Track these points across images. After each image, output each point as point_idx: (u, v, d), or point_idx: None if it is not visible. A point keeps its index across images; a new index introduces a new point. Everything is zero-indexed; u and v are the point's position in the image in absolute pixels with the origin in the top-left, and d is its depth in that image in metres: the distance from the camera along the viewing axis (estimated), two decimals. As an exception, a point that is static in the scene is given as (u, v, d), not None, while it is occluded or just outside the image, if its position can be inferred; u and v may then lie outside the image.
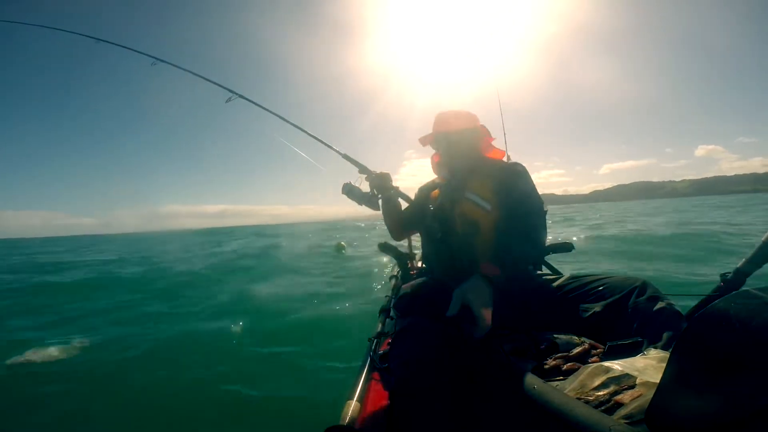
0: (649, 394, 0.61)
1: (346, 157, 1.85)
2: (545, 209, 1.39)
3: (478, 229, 1.36)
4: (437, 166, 1.63)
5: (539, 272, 1.53)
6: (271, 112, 2.17)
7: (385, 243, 2.04)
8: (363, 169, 1.78)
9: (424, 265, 1.74)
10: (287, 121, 2.10)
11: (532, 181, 1.40)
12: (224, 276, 7.73)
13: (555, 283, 1.27)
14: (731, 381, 0.47)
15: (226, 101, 2.21)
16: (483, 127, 1.54)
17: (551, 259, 1.83)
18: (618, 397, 0.66)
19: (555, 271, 1.73)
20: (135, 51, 2.61)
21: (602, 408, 0.65)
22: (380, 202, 1.72)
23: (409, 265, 2.14)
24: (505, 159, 1.59)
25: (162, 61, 2.47)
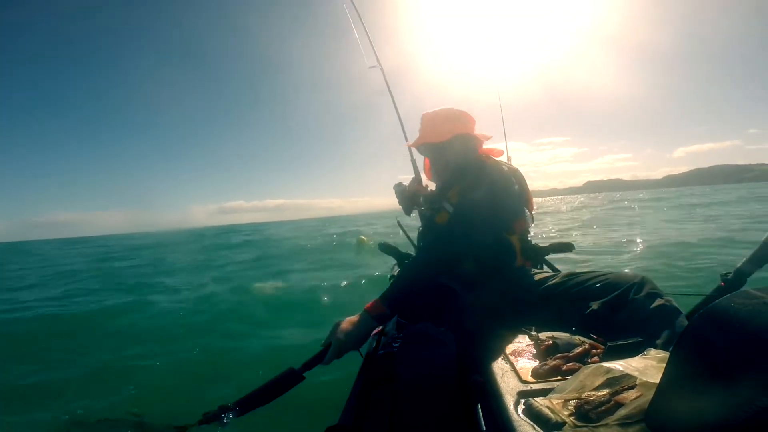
0: (649, 395, 0.61)
1: (413, 162, 1.97)
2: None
3: None
4: (430, 171, 1.65)
5: (537, 271, 1.53)
6: (391, 94, 2.18)
7: (385, 243, 2.05)
8: (416, 176, 1.87)
9: None
10: (397, 110, 2.15)
11: (499, 183, 1.36)
12: (228, 272, 7.73)
13: (553, 281, 1.27)
14: (731, 381, 0.47)
15: (370, 67, 2.22)
16: (473, 125, 1.51)
17: (551, 258, 1.83)
18: (618, 398, 0.65)
19: (554, 270, 1.73)
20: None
21: (602, 408, 0.65)
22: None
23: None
24: (505, 158, 1.60)
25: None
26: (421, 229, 1.59)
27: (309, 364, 1.15)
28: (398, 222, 2.04)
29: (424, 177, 1.83)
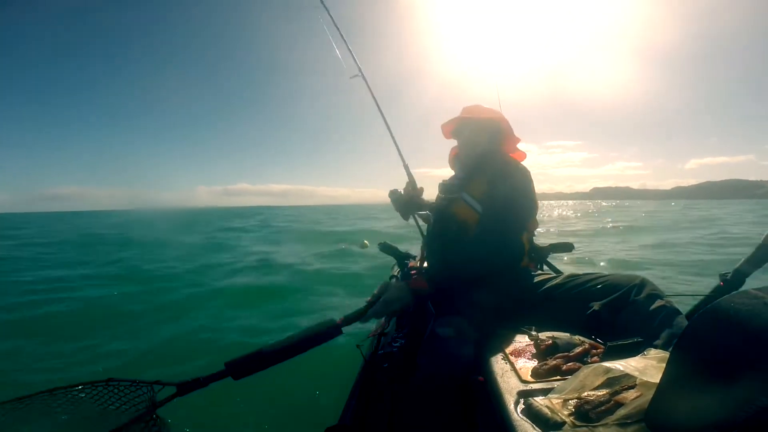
0: (649, 395, 0.61)
1: (406, 167, 1.97)
2: (532, 213, 1.40)
3: (468, 230, 1.37)
4: (453, 160, 1.66)
5: (539, 272, 1.53)
6: (377, 104, 2.17)
7: (385, 243, 2.05)
8: (411, 181, 1.88)
9: (426, 265, 1.75)
10: (384, 120, 2.15)
11: (521, 182, 1.38)
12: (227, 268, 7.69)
13: (554, 282, 1.27)
14: (731, 381, 0.47)
15: (351, 77, 2.20)
16: (508, 124, 1.55)
17: (552, 258, 1.84)
18: (618, 397, 0.66)
19: (555, 270, 1.73)
20: None
21: (602, 408, 0.65)
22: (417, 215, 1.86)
23: (410, 265, 2.15)
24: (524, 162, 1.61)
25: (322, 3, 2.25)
26: (432, 220, 1.58)
27: (349, 319, 1.15)
28: (414, 217, 2.04)
29: (416, 180, 1.85)
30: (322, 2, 2.24)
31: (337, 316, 1.14)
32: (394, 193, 1.83)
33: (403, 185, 1.93)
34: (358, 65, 2.18)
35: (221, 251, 9.65)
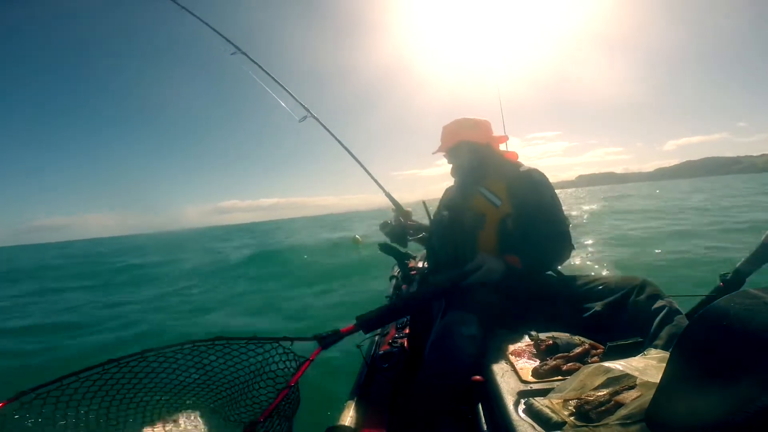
0: (649, 394, 0.61)
1: (388, 195, 1.95)
2: (569, 222, 1.43)
3: (485, 222, 1.39)
4: (454, 173, 1.68)
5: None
6: (336, 139, 2.13)
7: (386, 243, 2.05)
8: (397, 208, 1.87)
9: (426, 265, 1.75)
10: (349, 152, 2.12)
11: (553, 190, 1.42)
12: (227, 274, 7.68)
13: (555, 283, 1.27)
14: (731, 381, 0.47)
15: (300, 120, 2.13)
16: (489, 130, 1.56)
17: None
18: (618, 398, 0.66)
19: (555, 271, 1.73)
20: (219, 34, 2.24)
21: (602, 408, 0.65)
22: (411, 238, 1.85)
23: (410, 265, 2.15)
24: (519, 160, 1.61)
25: (242, 52, 2.17)
26: (446, 213, 1.59)
27: (455, 280, 1.29)
28: (424, 203, 2.04)
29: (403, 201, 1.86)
30: (243, 52, 2.14)
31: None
32: (385, 227, 1.84)
33: (390, 210, 1.92)
34: (304, 106, 2.11)
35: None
